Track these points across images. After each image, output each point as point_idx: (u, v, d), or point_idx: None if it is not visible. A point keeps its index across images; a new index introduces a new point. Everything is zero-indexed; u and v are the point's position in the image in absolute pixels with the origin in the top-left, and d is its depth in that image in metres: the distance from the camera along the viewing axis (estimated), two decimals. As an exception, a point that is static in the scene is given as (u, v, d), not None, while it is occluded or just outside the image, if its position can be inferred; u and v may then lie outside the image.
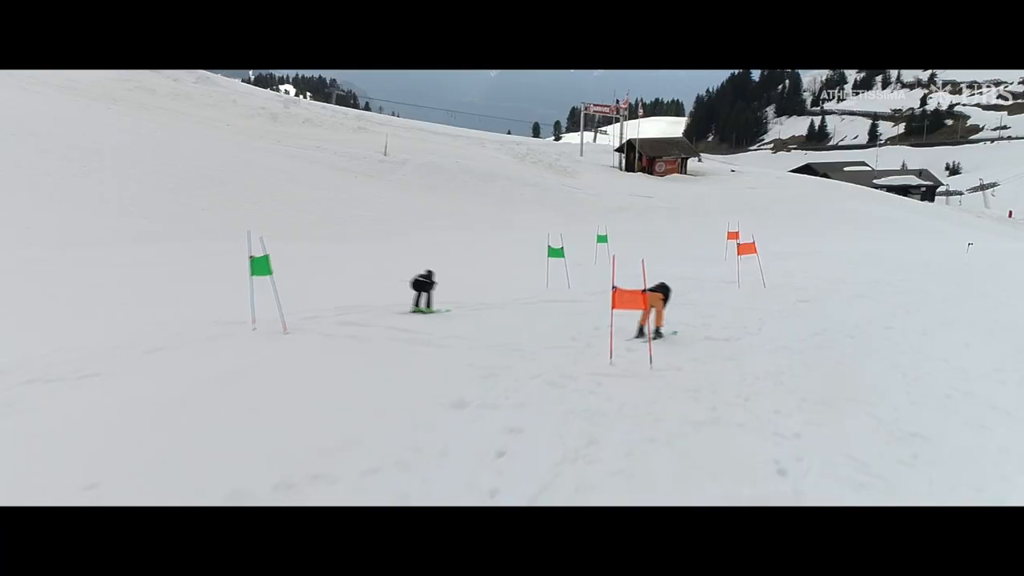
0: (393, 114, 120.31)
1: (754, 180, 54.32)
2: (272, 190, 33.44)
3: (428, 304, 12.36)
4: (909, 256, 24.27)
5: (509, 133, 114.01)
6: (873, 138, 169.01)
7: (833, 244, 29.32)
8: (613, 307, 9.07)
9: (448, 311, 12.32)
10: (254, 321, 10.04)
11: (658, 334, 10.41)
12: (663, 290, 10.65)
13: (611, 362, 8.93)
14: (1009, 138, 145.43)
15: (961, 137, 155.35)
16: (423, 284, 12.40)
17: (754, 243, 15.39)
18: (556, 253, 16.42)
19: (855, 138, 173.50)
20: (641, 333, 10.30)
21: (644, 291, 9.67)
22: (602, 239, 22.52)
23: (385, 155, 44.38)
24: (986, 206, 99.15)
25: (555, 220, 38.47)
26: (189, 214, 26.55)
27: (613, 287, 9.05)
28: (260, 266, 9.89)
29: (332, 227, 30.08)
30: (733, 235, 22.12)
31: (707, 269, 19.95)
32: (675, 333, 10.74)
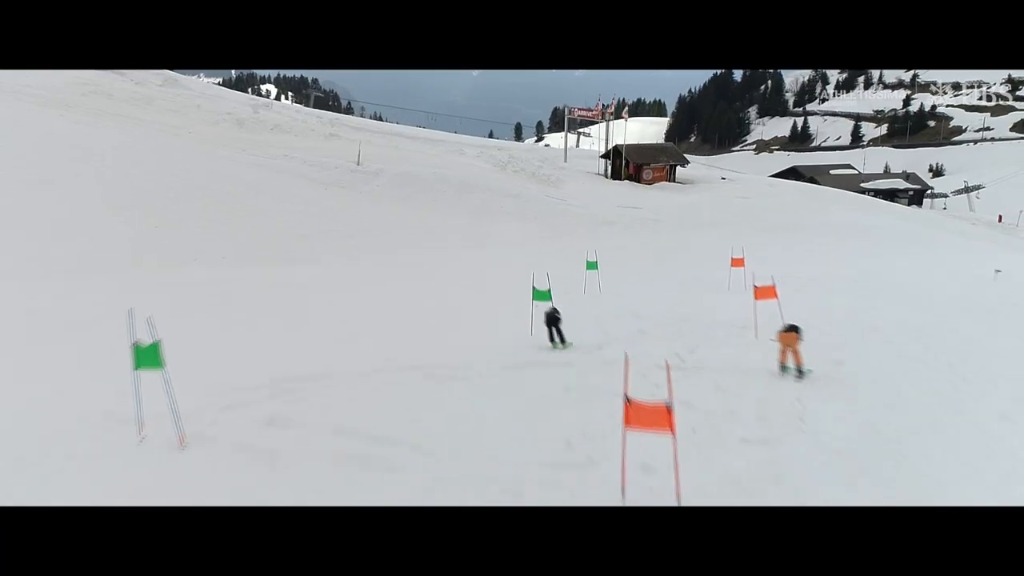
0: (375, 116, 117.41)
1: (745, 188, 52.17)
2: (234, 204, 30.77)
3: (562, 339, 12.78)
4: (929, 282, 22.06)
5: (491, 136, 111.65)
6: (856, 139, 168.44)
7: (839, 264, 27.14)
8: (626, 424, 6.57)
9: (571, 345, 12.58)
10: (142, 429, 7.52)
11: (800, 373, 10.58)
12: (797, 330, 10.68)
13: (623, 498, 6.52)
14: (992, 139, 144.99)
15: (944, 138, 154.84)
16: (554, 319, 12.89)
17: (774, 285, 12.99)
18: (542, 296, 13.99)
19: (838, 139, 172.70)
20: (784, 369, 10.71)
21: (782, 332, 10.66)
22: (591, 266, 20.22)
23: (358, 164, 41.78)
24: (971, 209, 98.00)
25: (538, 234, 36.20)
26: (136, 235, 23.93)
27: (626, 399, 6.54)
28: (147, 357, 7.32)
29: (297, 245, 27.53)
30: (738, 262, 19.92)
31: (710, 300, 17.78)
32: (810, 371, 10.59)
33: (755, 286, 13.21)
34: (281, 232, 28.48)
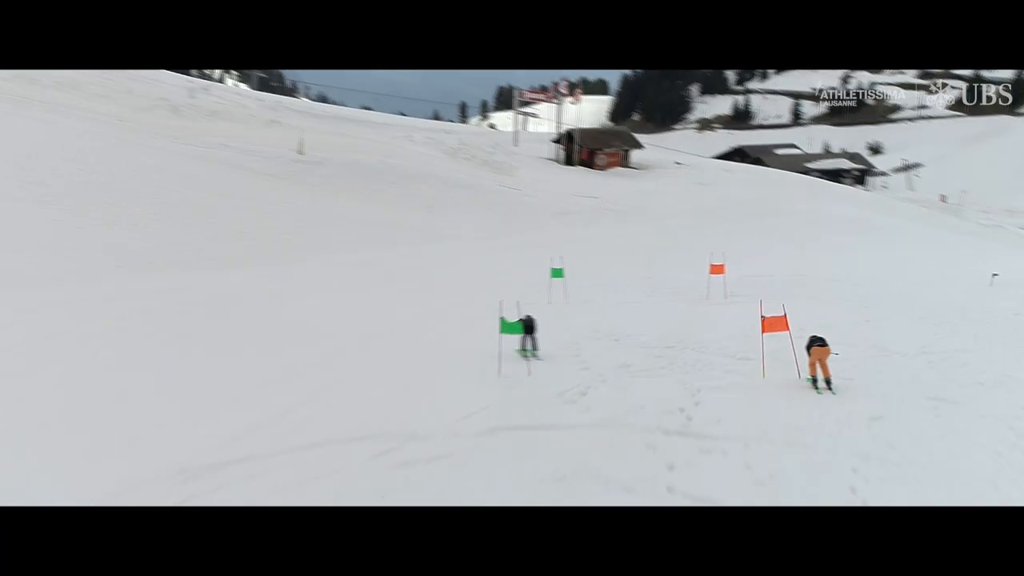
0: (320, 97, 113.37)
1: (701, 174, 51.49)
2: (164, 199, 28.30)
3: (534, 347, 12.67)
4: (925, 288, 21.16)
5: (437, 117, 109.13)
6: (797, 117, 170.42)
7: (814, 261, 26.42)
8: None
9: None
10: None
11: (829, 384, 10.74)
12: (825, 343, 10.82)
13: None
14: (930, 118, 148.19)
15: (882, 116, 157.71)
16: (530, 327, 12.69)
17: (784, 316, 11.45)
18: (511, 329, 12.09)
19: (778, 117, 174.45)
20: (815, 384, 10.83)
21: (811, 346, 10.83)
22: (557, 273, 18.68)
23: (300, 154, 39.59)
24: (910, 188, 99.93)
25: (493, 228, 34.77)
26: (43, 239, 21.40)
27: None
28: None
29: (233, 246, 25.20)
30: (717, 269, 18.80)
31: (692, 315, 16.58)
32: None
33: (762, 317, 11.62)
34: (216, 231, 26.15)
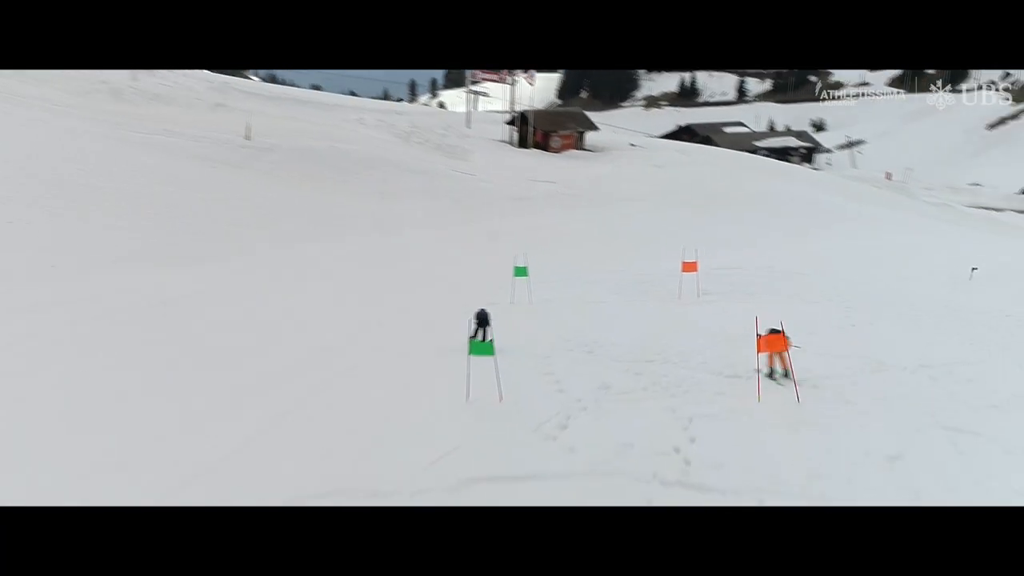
0: (269, 77, 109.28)
1: (657, 156, 51.20)
2: (102, 189, 26.81)
3: (484, 337, 12.33)
4: (904, 283, 21.05)
5: (386, 96, 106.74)
6: (742, 95, 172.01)
7: (783, 249, 26.29)
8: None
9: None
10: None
11: (787, 376, 10.90)
12: (783, 333, 10.71)
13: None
14: (872, 95, 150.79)
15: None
16: (484, 320, 12.79)
17: (783, 332, 10.64)
18: (481, 350, 10.89)
19: (724, 95, 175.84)
20: (772, 376, 11.17)
21: (766, 336, 10.71)
22: (520, 272, 17.94)
23: (248, 139, 38.09)
24: (854, 166, 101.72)
25: (449, 216, 33.99)
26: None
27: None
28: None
29: (175, 240, 23.83)
30: (689, 266, 18.23)
31: (669, 320, 15.89)
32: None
33: (758, 335, 10.70)
34: (152, 224, 24.66)
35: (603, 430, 9.49)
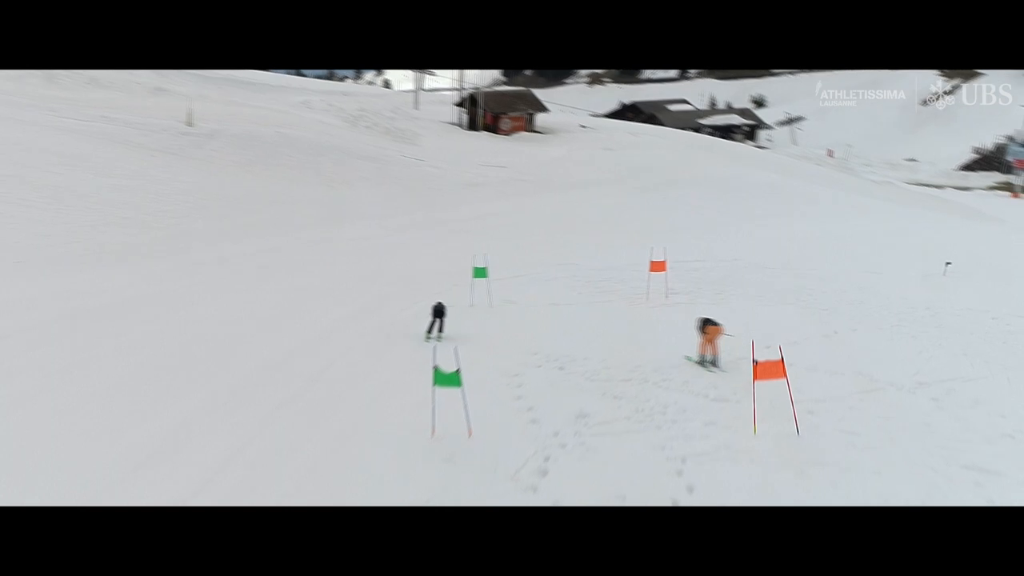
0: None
1: (608, 138, 50.92)
2: (34, 180, 25.20)
3: (440, 329, 14.03)
4: (876, 281, 20.80)
5: (331, 77, 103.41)
6: (683, 71, 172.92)
7: (743, 240, 26.17)
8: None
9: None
10: None
11: (715, 363, 12.49)
12: (717, 324, 12.45)
13: None
14: (810, 70, 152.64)
15: (764, 70, 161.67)
16: (440, 312, 13.98)
17: (781, 361, 10.06)
18: (446, 380, 9.70)
19: (665, 71, 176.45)
20: (703, 363, 12.58)
21: (706, 325, 12.51)
22: (480, 273, 17.26)
23: (189, 125, 36.41)
24: (794, 143, 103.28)
25: (401, 206, 33.05)
26: None
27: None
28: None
29: (112, 234, 22.47)
30: (657, 266, 17.87)
31: (641, 328, 15.49)
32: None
33: (755, 362, 10.07)
34: (89, 218, 23.24)
35: (587, 476, 8.80)
